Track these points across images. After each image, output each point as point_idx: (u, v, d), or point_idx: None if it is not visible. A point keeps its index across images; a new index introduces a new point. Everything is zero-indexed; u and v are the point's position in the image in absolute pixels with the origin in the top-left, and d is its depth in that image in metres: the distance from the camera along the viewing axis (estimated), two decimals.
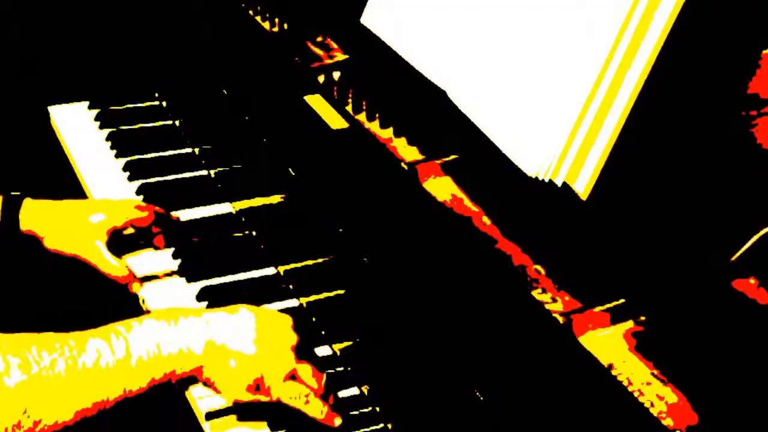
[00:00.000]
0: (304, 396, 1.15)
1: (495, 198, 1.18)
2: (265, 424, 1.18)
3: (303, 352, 1.18)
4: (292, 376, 1.15)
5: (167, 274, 1.44)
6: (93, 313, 1.57)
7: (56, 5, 2.04)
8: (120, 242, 1.44)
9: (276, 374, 1.14)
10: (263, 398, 1.14)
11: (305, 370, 1.16)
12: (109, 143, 1.73)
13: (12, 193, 1.42)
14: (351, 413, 1.23)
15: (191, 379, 1.11)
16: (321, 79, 1.44)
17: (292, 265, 1.44)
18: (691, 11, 1.01)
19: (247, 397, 1.13)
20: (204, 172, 1.68)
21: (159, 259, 1.46)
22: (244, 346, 1.12)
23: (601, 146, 1.06)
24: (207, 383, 1.12)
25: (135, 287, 1.40)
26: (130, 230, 1.45)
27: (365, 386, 1.26)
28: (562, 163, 1.08)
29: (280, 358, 1.14)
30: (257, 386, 1.13)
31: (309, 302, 1.39)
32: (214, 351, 1.11)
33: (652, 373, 0.95)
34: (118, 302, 1.41)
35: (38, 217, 1.41)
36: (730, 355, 0.96)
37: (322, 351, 1.32)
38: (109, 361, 1.05)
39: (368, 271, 1.29)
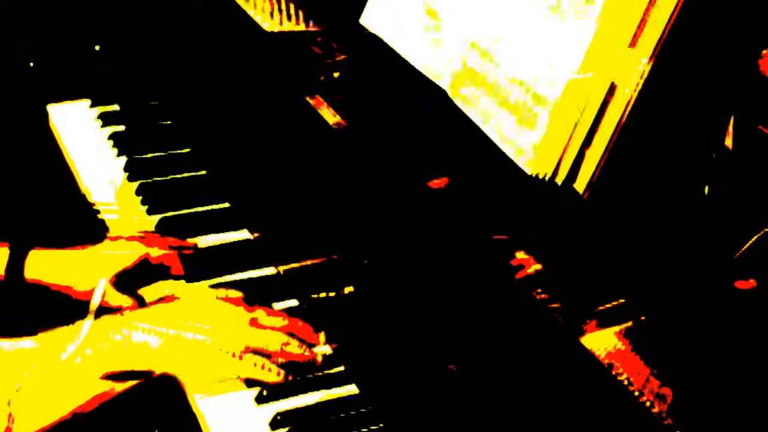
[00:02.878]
0: (262, 368, 1.21)
1: (495, 197, 1.18)
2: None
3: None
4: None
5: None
6: None
7: (56, 5, 2.04)
8: (134, 278, 1.42)
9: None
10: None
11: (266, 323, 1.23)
12: (110, 142, 1.74)
13: (19, 243, 1.39)
14: (350, 413, 1.23)
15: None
16: (321, 79, 1.44)
17: (292, 265, 1.44)
18: (692, 10, 1.01)
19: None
20: (203, 172, 1.68)
21: None
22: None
23: (602, 146, 1.05)
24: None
25: None
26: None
27: (364, 386, 1.26)
28: (562, 162, 1.08)
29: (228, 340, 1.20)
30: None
31: (309, 302, 1.39)
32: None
33: (652, 373, 0.95)
34: None
35: (45, 266, 1.39)
36: (731, 355, 0.96)
37: (322, 351, 1.31)
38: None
39: (368, 271, 1.29)
